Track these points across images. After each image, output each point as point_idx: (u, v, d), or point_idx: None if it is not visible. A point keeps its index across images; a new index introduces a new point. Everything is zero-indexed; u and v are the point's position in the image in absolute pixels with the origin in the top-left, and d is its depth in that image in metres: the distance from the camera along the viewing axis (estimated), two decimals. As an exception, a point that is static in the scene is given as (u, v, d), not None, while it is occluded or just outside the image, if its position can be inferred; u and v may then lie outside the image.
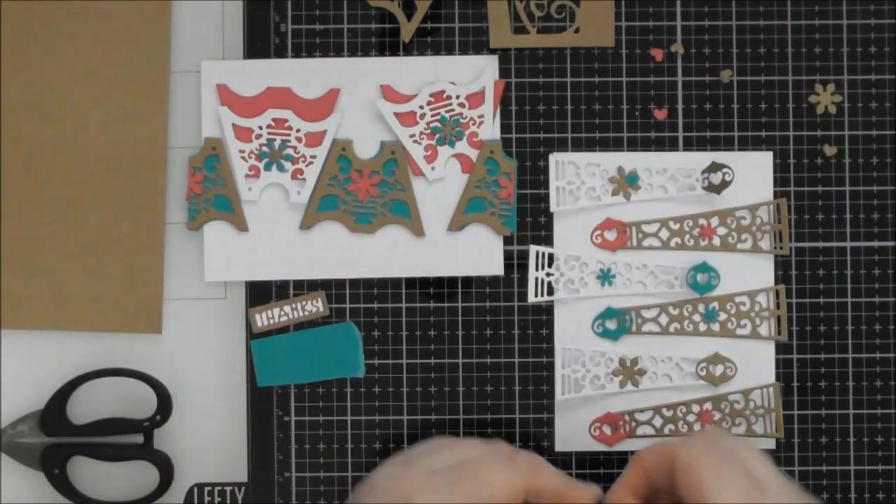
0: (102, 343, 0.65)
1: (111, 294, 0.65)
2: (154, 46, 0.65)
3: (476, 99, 0.64)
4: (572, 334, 0.64)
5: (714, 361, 0.64)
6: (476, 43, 0.65)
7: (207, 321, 0.65)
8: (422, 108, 0.64)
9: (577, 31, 0.65)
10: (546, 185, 0.65)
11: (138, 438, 0.64)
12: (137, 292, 0.65)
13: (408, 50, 0.65)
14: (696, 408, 0.64)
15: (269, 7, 0.65)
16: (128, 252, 0.65)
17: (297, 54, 0.65)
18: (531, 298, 0.65)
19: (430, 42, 0.65)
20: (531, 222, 0.65)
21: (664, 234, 0.64)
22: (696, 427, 0.64)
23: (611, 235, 0.65)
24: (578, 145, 0.65)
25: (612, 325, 0.64)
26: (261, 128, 0.64)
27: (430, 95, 0.64)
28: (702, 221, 0.65)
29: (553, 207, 0.64)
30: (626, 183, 0.64)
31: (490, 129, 0.64)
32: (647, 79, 0.65)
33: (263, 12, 0.65)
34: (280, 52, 0.65)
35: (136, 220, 0.65)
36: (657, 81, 0.65)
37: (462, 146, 0.64)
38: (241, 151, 0.64)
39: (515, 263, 0.65)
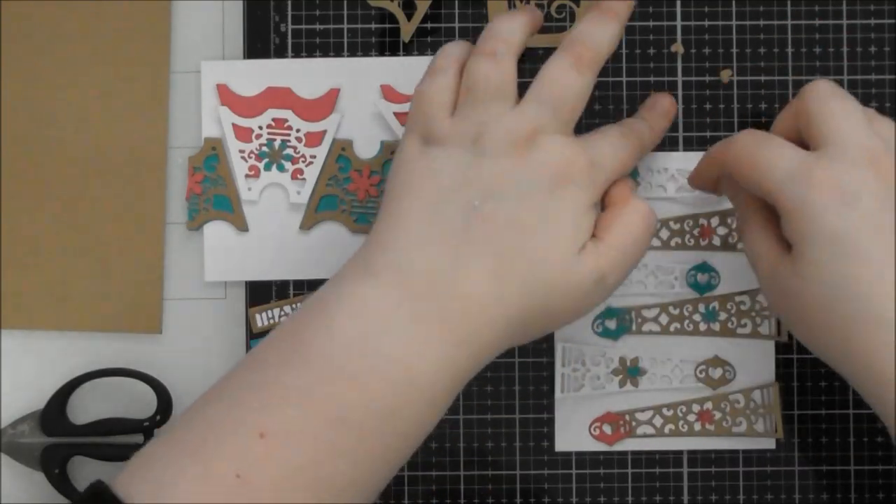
0: (102, 343, 0.65)
1: (111, 294, 0.65)
2: (154, 46, 0.65)
3: (476, 99, 0.64)
4: (572, 334, 0.64)
5: (713, 364, 0.64)
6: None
7: (207, 321, 0.65)
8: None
9: (577, 31, 0.65)
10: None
11: (138, 438, 0.64)
12: (137, 292, 0.65)
13: (408, 50, 0.65)
14: (696, 407, 0.64)
15: (269, 7, 0.65)
16: (128, 252, 0.65)
17: (297, 54, 0.65)
18: None
19: (430, 42, 0.65)
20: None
21: (664, 233, 0.64)
22: (697, 427, 0.64)
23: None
24: (578, 145, 0.65)
25: (612, 324, 0.64)
26: (261, 128, 0.64)
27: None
28: (702, 221, 0.65)
29: None
30: None
31: (490, 129, 0.64)
32: (647, 79, 0.65)
33: (263, 12, 0.65)
34: (280, 52, 0.65)
35: (136, 220, 0.65)
36: (657, 81, 0.65)
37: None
38: (241, 151, 0.64)
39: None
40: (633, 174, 0.64)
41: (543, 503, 0.65)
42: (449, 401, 0.53)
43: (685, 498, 0.65)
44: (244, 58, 0.65)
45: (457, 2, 0.65)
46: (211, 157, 0.65)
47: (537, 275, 0.53)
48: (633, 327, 0.64)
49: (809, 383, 0.65)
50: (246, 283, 0.65)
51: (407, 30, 0.65)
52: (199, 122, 0.65)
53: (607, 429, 0.65)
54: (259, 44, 0.65)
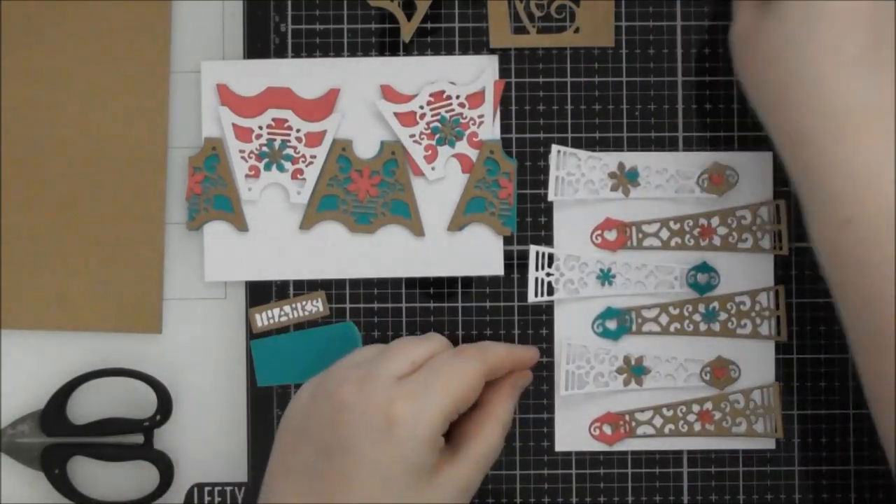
0: (102, 343, 0.65)
1: (111, 294, 0.65)
2: (154, 46, 0.65)
3: (476, 99, 0.64)
4: (573, 334, 0.64)
5: (718, 365, 0.64)
6: (476, 43, 0.65)
7: (207, 321, 0.65)
8: (422, 108, 0.64)
9: (577, 31, 0.65)
10: (546, 185, 0.65)
11: (138, 438, 0.64)
12: (137, 292, 0.65)
13: (408, 50, 0.65)
14: (696, 407, 0.64)
15: (269, 7, 0.65)
16: (128, 252, 0.65)
17: (297, 54, 0.65)
18: (531, 298, 0.65)
19: (430, 42, 0.65)
20: (531, 222, 0.65)
21: (664, 234, 0.64)
22: (697, 427, 0.64)
23: (611, 235, 0.65)
24: (578, 145, 0.65)
25: (612, 325, 0.64)
26: (261, 128, 0.64)
27: (430, 95, 0.64)
28: (702, 221, 0.65)
29: (551, 196, 0.64)
30: (626, 179, 0.64)
31: (490, 129, 0.65)
32: (647, 79, 0.65)
33: (263, 12, 0.65)
34: (280, 52, 0.65)
35: (136, 220, 0.65)
36: (657, 81, 0.65)
37: (462, 146, 0.64)
38: (241, 151, 0.64)
39: (515, 263, 0.65)
40: (633, 174, 0.64)
41: (543, 503, 0.65)
42: None
43: (685, 498, 0.65)
44: (244, 58, 0.65)
45: (457, 2, 0.65)
46: (211, 157, 0.65)
47: None
48: (633, 328, 0.64)
49: (809, 383, 0.65)
50: (246, 283, 0.65)
51: (407, 30, 0.65)
52: (199, 122, 0.65)
53: (607, 429, 0.65)
54: (259, 44, 0.65)
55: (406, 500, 0.55)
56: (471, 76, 0.65)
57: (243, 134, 0.65)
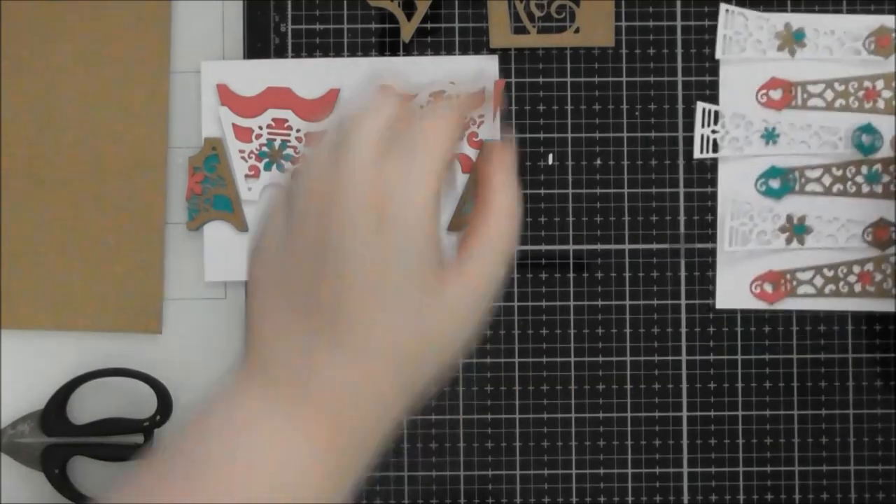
0: (102, 343, 0.65)
1: (111, 294, 0.65)
2: (154, 46, 0.65)
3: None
4: (737, 191, 0.64)
5: (880, 226, 0.64)
6: (476, 43, 0.65)
7: (207, 321, 0.65)
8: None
9: (577, 31, 0.65)
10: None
11: (138, 438, 0.64)
12: (137, 292, 0.65)
13: (408, 50, 0.65)
14: (857, 268, 0.64)
15: (269, 7, 0.65)
16: (128, 252, 0.65)
17: (297, 54, 0.65)
18: (696, 154, 0.64)
19: (430, 42, 0.65)
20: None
21: (829, 94, 0.64)
22: (857, 288, 0.64)
23: (776, 95, 0.64)
24: (579, 145, 0.65)
25: (775, 183, 0.64)
26: (261, 128, 0.64)
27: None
28: (867, 84, 0.64)
29: (718, 54, 0.64)
30: (793, 39, 0.64)
31: (490, 129, 0.65)
32: (647, 79, 0.65)
33: (263, 12, 0.65)
34: (280, 52, 0.65)
35: (136, 220, 0.65)
36: (657, 81, 0.65)
37: (462, 146, 0.64)
38: (241, 151, 0.64)
39: (515, 263, 0.65)
40: (800, 35, 0.63)
41: (544, 503, 0.65)
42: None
43: (685, 498, 0.65)
44: (244, 58, 0.65)
45: (457, 2, 0.65)
46: (211, 157, 0.65)
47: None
48: (797, 187, 0.64)
49: (809, 383, 0.65)
50: (246, 283, 0.65)
51: (407, 30, 0.65)
52: (199, 122, 0.65)
53: (768, 287, 0.64)
54: (259, 44, 0.65)
55: (412, 310, 0.46)
56: (471, 76, 0.65)
57: (243, 134, 0.65)
